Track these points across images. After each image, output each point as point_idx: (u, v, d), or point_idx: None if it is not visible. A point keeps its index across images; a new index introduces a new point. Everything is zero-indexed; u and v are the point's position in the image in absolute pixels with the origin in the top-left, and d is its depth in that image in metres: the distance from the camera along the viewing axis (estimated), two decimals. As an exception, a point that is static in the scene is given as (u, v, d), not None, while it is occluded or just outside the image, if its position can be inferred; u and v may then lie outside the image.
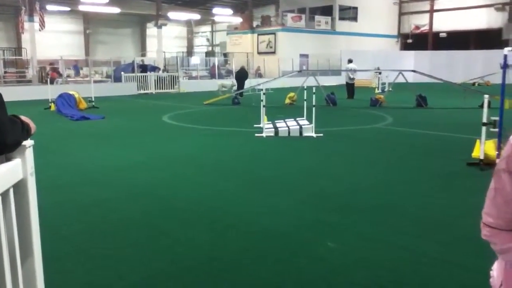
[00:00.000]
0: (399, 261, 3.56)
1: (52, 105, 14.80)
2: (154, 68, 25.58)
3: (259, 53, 33.57)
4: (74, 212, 4.79)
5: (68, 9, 35.04)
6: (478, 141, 6.84)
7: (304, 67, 29.86)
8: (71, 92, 14.93)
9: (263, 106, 10.32)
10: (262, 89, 10.85)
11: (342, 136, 9.94)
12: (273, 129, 9.72)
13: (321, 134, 9.55)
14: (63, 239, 4.03)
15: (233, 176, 6.40)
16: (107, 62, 27.14)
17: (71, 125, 11.68)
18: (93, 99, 15.81)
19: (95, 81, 19.90)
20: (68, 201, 5.16)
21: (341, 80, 25.95)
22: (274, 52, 32.58)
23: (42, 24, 23.15)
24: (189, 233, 4.20)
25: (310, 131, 9.64)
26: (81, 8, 34.06)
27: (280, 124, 10.13)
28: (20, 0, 24.22)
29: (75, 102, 14.63)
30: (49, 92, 15.68)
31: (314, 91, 10.27)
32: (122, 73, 23.36)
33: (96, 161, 7.32)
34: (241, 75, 20.64)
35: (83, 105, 15.10)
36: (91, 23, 40.70)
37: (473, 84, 26.47)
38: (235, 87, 19.22)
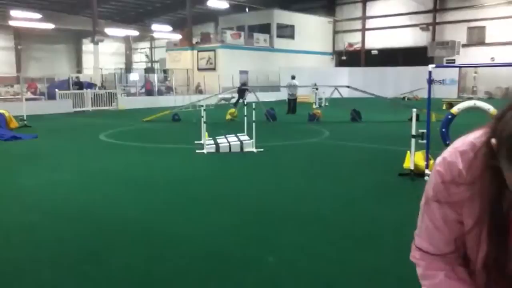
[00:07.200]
0: (334, 274, 3.66)
1: (-21, 125, 13.97)
2: (91, 85, 24.85)
3: (199, 69, 33.57)
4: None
5: (-4, 24, 33.42)
6: (408, 152, 7.23)
7: (244, 83, 30.20)
8: (0, 111, 14.20)
9: (204, 122, 10.33)
10: (202, 105, 10.87)
11: (281, 150, 10.14)
12: (214, 145, 9.74)
13: (262, 149, 9.69)
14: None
15: (172, 195, 6.33)
16: (41, 79, 26.03)
17: (0, 146, 11.08)
18: (25, 118, 15.10)
19: (27, 99, 19.03)
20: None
21: (280, 96, 26.52)
22: (214, 69, 32.71)
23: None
24: (122, 254, 4.08)
25: (250, 147, 9.76)
26: (12, 23, 32.55)
27: (221, 140, 10.17)
28: None
29: (4, 121, 13.91)
30: (-24, 111, 14.81)
31: (254, 107, 10.43)
32: (57, 90, 22.49)
33: (23, 182, 7.00)
34: (243, 88, 22.95)
35: (14, 124, 14.38)
36: (23, 39, 39.03)
37: (403, 98, 27.94)
38: (233, 100, 22.40)
